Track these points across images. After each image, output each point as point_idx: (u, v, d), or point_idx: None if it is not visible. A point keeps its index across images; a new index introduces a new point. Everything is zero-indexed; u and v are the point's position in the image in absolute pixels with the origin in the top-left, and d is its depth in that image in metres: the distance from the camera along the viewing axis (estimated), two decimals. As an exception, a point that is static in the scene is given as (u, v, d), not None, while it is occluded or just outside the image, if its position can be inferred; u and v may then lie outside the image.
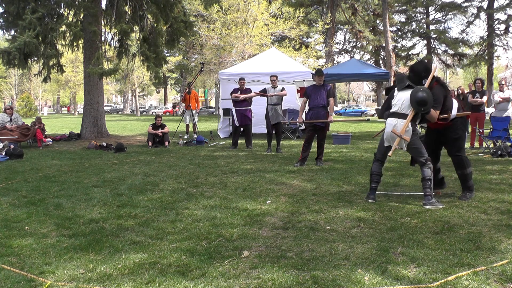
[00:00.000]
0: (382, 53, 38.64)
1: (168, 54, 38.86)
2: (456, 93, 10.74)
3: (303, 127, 11.56)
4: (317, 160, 7.66)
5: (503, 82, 10.02)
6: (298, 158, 7.70)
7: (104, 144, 10.68)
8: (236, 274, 2.88)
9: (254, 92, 10.22)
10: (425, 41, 38.96)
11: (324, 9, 35.89)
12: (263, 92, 9.69)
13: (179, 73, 44.58)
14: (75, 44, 12.49)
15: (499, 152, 8.36)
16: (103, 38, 13.35)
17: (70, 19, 12.38)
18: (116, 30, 12.67)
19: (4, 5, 12.02)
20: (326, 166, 7.38)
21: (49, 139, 11.98)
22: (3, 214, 4.46)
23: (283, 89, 9.58)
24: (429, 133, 5.10)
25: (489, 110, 14.64)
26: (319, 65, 27.44)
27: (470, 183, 4.91)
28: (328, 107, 7.53)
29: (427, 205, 4.53)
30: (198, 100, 14.88)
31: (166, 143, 10.96)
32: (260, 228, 3.87)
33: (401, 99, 4.68)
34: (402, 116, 4.62)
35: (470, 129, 10.37)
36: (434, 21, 38.31)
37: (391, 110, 4.77)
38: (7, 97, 51.47)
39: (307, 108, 7.74)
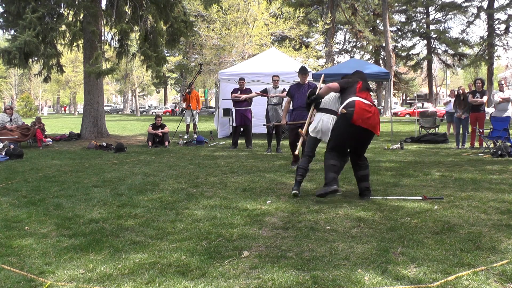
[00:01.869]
0: (382, 53, 38.62)
1: (168, 54, 38.90)
2: (456, 93, 10.75)
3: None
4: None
5: (502, 82, 10.02)
6: (292, 159, 7.59)
7: (104, 144, 10.68)
8: (236, 274, 2.88)
9: (255, 92, 10.21)
10: (425, 41, 38.99)
11: (324, 9, 35.84)
12: (264, 92, 9.68)
13: (179, 73, 44.60)
14: (74, 44, 12.50)
15: (499, 152, 8.36)
16: (103, 38, 13.34)
17: (70, 18, 12.38)
18: (116, 30, 12.67)
19: (4, 5, 12.03)
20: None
21: (49, 139, 11.98)
22: (3, 214, 4.45)
23: (284, 90, 9.56)
24: None
25: (489, 110, 14.64)
26: (319, 65, 27.43)
27: (330, 176, 4.77)
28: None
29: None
30: (199, 100, 14.88)
31: (166, 143, 10.96)
32: (260, 228, 3.87)
33: (329, 97, 5.14)
34: (330, 111, 5.09)
35: (470, 129, 10.38)
36: (434, 21, 38.34)
37: (320, 106, 5.20)
38: (7, 97, 51.49)
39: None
